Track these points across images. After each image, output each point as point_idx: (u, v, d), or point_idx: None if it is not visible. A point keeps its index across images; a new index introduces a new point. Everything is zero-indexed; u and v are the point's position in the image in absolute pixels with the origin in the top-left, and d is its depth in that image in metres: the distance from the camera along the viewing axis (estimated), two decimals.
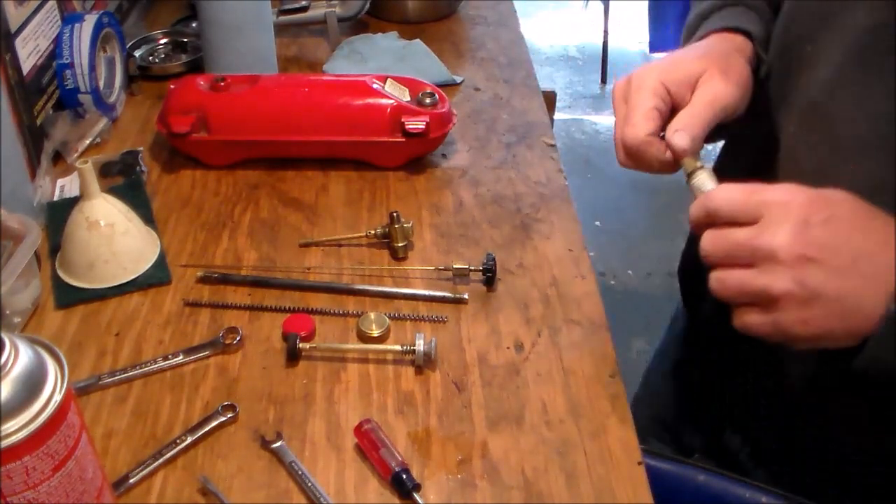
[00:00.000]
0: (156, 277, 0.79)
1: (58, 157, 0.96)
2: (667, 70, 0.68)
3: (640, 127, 0.66)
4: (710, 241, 0.58)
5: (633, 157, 0.68)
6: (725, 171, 0.70)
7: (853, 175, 0.65)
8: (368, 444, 0.63)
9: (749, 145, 0.78)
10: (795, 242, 0.54)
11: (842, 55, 0.66)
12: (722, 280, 0.58)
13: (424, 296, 0.78)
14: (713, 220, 0.59)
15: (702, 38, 0.75)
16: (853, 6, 0.65)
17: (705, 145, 0.69)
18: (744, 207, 0.57)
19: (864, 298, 0.54)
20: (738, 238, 0.57)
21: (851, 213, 0.56)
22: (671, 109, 0.67)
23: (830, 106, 0.67)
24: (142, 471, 0.62)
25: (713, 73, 0.67)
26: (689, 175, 0.64)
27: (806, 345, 0.57)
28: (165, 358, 0.71)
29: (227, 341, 0.72)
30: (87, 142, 0.98)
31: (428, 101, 0.94)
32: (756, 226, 0.56)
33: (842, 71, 0.66)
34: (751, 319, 0.57)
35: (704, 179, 0.64)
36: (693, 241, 0.74)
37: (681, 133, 0.64)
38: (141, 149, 0.97)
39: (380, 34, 1.21)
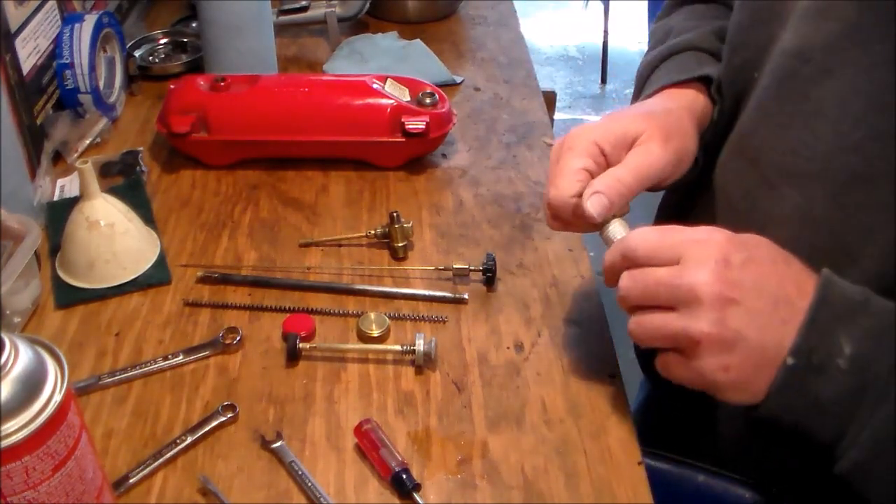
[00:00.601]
0: (156, 277, 0.79)
1: (58, 157, 0.96)
2: (603, 129, 0.65)
3: (565, 188, 0.63)
4: (629, 280, 0.57)
5: (559, 218, 0.65)
6: (663, 200, 0.69)
7: (778, 203, 0.64)
8: (368, 444, 0.63)
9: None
10: (717, 281, 0.52)
11: (770, 80, 0.65)
12: (640, 323, 0.56)
13: (424, 296, 0.78)
14: (630, 264, 0.57)
15: (651, 94, 0.73)
16: (785, 29, 0.63)
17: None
18: (661, 246, 0.56)
19: (782, 342, 0.52)
20: (658, 276, 0.55)
21: (769, 256, 0.55)
22: (606, 169, 0.64)
23: (757, 133, 0.66)
24: (142, 471, 0.62)
25: (652, 136, 0.64)
26: (602, 225, 0.63)
27: (728, 395, 0.55)
28: (165, 358, 0.71)
29: (227, 341, 0.72)
30: (87, 142, 0.98)
31: (428, 101, 0.94)
32: (676, 266, 0.54)
33: (767, 97, 0.65)
34: (671, 364, 0.56)
35: (618, 228, 0.62)
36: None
37: (597, 197, 0.61)
38: (141, 149, 0.97)
39: (380, 34, 1.21)
